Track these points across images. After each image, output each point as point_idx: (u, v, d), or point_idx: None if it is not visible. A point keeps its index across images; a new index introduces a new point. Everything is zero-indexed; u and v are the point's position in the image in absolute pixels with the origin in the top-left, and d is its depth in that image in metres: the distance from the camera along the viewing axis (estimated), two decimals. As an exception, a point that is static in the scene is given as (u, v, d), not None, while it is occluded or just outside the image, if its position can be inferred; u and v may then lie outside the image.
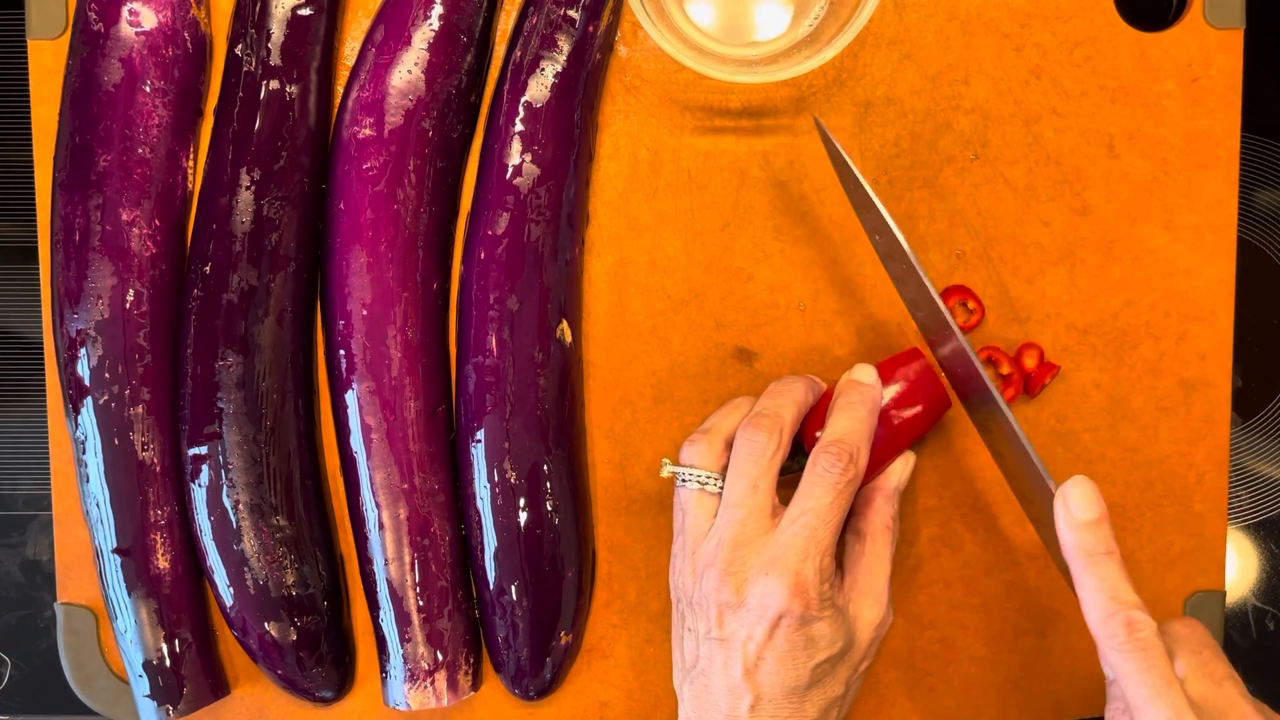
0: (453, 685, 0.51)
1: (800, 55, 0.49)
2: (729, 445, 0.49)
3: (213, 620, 0.53)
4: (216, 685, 0.52)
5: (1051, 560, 0.52)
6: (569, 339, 0.52)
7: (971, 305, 0.54)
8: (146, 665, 0.51)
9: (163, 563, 0.51)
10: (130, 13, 0.51)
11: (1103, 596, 0.41)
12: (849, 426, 0.47)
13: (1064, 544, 0.42)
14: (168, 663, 0.51)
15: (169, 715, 0.51)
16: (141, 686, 0.51)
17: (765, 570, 0.45)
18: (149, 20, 0.51)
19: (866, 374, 0.50)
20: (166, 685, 0.51)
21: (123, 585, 0.50)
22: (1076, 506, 0.42)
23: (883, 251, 0.50)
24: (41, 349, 0.54)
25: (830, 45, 0.47)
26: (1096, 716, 0.55)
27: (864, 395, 0.49)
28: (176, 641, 0.51)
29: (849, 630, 0.47)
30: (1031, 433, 0.54)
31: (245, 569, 0.50)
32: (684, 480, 0.49)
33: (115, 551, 0.50)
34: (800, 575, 0.45)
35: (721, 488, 0.48)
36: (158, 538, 0.51)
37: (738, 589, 0.45)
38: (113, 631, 0.52)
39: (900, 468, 0.51)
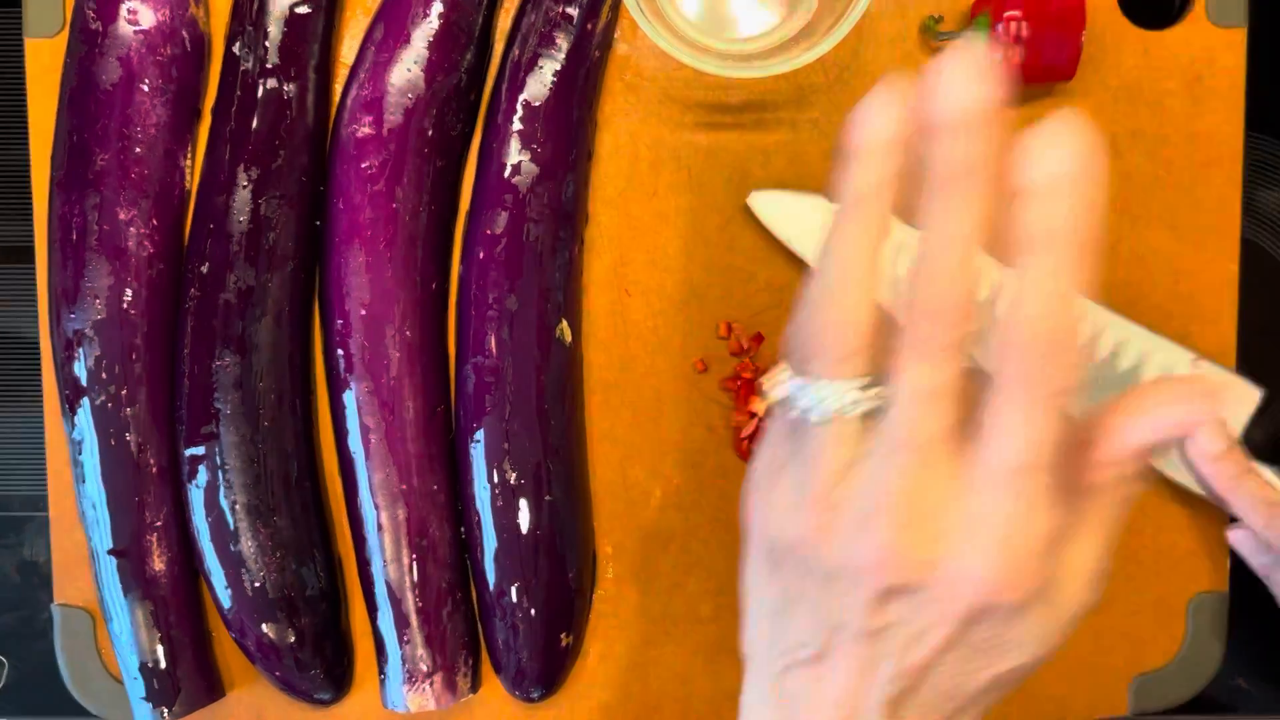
0: (451, 687, 0.51)
1: (796, 49, 0.49)
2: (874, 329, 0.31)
3: (208, 622, 0.53)
4: (211, 687, 0.52)
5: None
6: (569, 339, 0.52)
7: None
8: (142, 667, 0.50)
9: (158, 564, 0.51)
10: (128, 11, 0.51)
11: (1259, 507, 0.44)
12: (1051, 295, 0.28)
13: (1205, 479, 0.46)
14: (163, 665, 0.51)
15: (164, 717, 0.50)
16: (137, 689, 0.51)
17: (967, 535, 0.29)
18: (147, 19, 0.51)
19: (1064, 152, 0.27)
20: (162, 687, 0.50)
21: (118, 587, 0.50)
22: (1206, 443, 0.45)
23: None
24: (39, 349, 0.54)
25: (826, 38, 0.47)
26: (1100, 718, 0.54)
27: (1073, 211, 0.27)
28: (172, 643, 0.51)
29: (1048, 621, 0.31)
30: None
31: (243, 570, 0.50)
32: (814, 399, 0.31)
33: (111, 553, 0.50)
34: (1015, 544, 0.29)
35: (868, 404, 0.30)
36: (153, 539, 0.51)
37: (918, 563, 0.29)
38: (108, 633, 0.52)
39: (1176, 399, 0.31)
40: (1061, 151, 0.27)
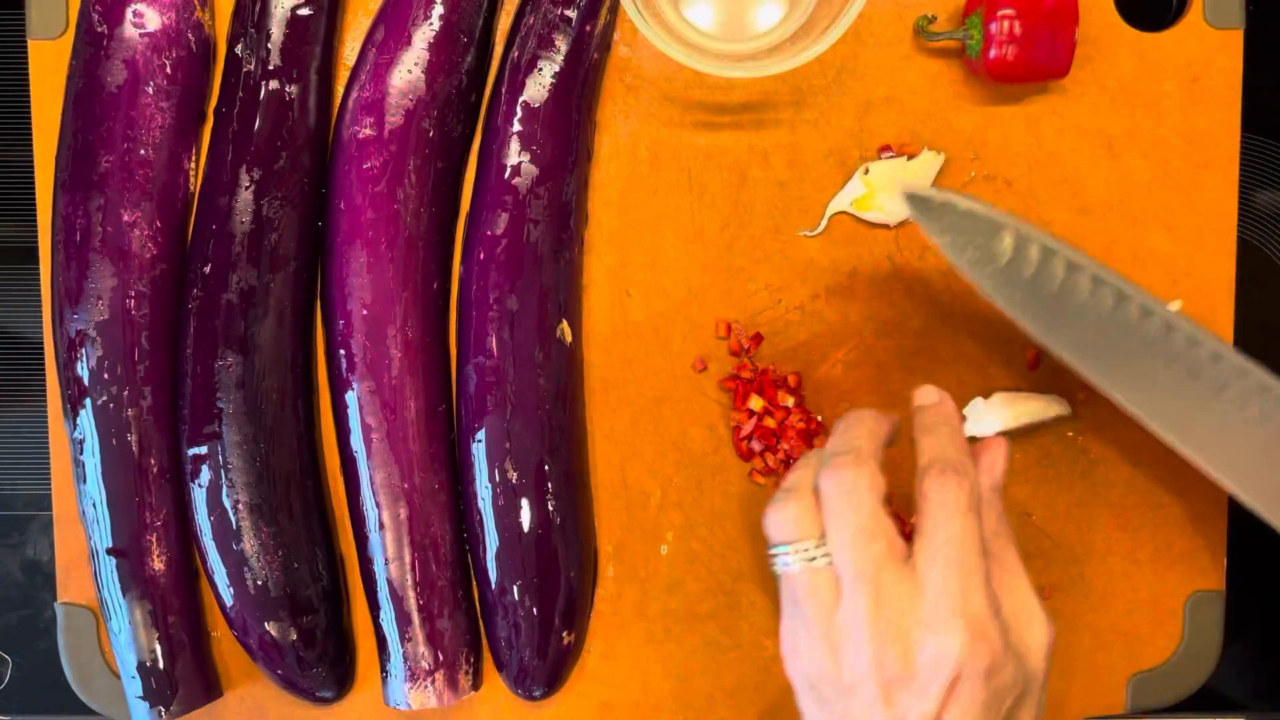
0: (453, 685, 0.51)
1: (793, 49, 0.49)
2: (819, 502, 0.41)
3: (206, 622, 0.53)
4: (209, 688, 0.52)
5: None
6: (569, 339, 0.52)
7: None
8: (140, 666, 0.51)
9: (157, 564, 0.51)
10: (134, 14, 0.51)
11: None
12: (939, 444, 0.42)
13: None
14: (161, 664, 0.51)
15: (160, 717, 0.51)
16: (134, 688, 0.51)
17: (930, 626, 0.38)
18: (153, 22, 0.51)
19: (929, 395, 0.45)
20: (159, 687, 0.51)
21: (117, 586, 0.50)
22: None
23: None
24: (42, 349, 0.54)
25: (822, 39, 0.47)
26: (1097, 716, 0.55)
27: (939, 414, 0.44)
28: (170, 643, 0.51)
29: (1022, 664, 0.40)
30: (1030, 433, 0.54)
31: (245, 569, 0.50)
32: (785, 562, 0.41)
33: (110, 552, 0.50)
34: (973, 617, 0.38)
35: (828, 557, 0.40)
36: (153, 539, 0.51)
37: (903, 657, 0.38)
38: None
39: (991, 461, 0.44)
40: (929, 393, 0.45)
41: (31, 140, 0.54)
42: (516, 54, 0.52)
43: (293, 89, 0.52)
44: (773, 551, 0.42)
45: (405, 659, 0.51)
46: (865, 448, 0.42)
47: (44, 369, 0.54)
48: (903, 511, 0.54)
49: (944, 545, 0.39)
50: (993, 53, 0.50)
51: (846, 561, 0.39)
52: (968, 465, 0.41)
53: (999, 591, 0.41)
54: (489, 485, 0.51)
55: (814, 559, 0.40)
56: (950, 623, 0.38)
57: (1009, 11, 0.50)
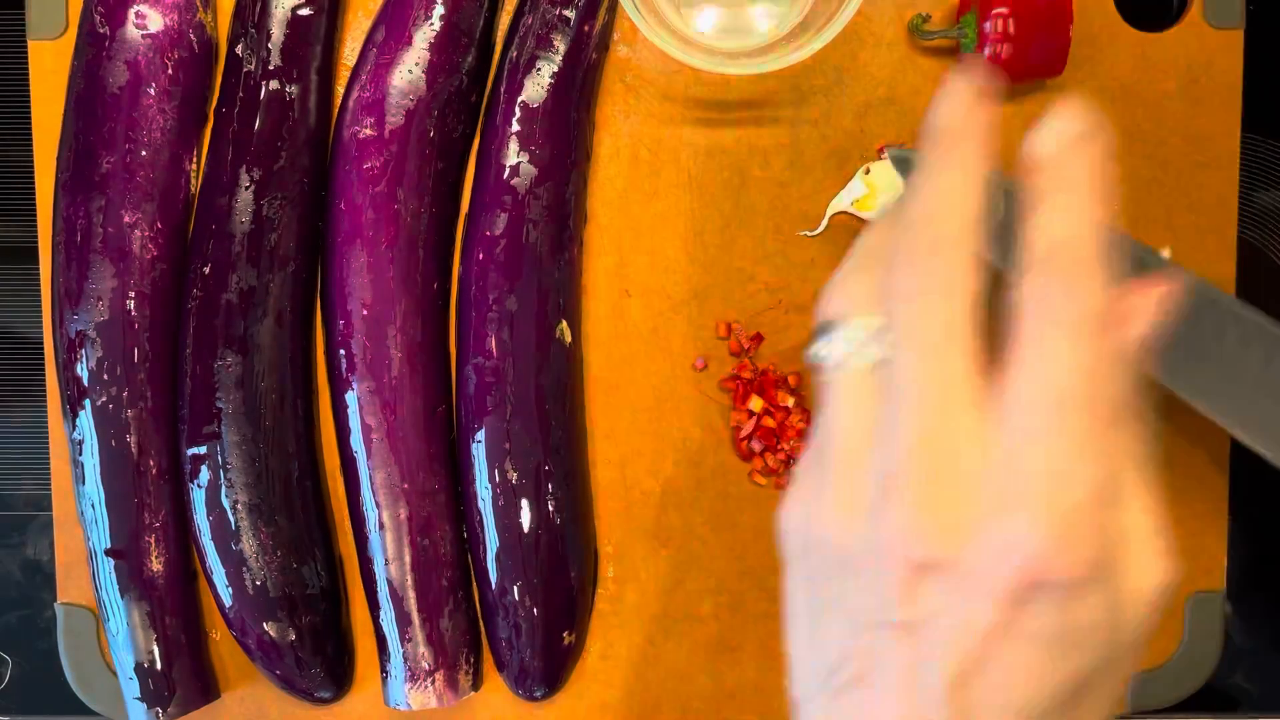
0: (453, 685, 0.51)
1: (789, 46, 0.49)
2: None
3: (204, 623, 0.53)
4: (207, 689, 0.52)
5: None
6: (569, 339, 0.52)
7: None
8: (138, 668, 0.51)
9: (156, 565, 0.51)
10: (137, 15, 0.51)
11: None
12: (1071, 220, 0.28)
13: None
14: (158, 665, 0.51)
15: (158, 718, 0.51)
16: (132, 689, 0.51)
17: (1004, 497, 0.25)
18: (155, 23, 0.51)
19: (1070, 121, 0.29)
20: (157, 688, 0.51)
21: (115, 587, 0.50)
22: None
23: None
24: (42, 349, 0.54)
25: (818, 37, 0.47)
26: (1098, 717, 0.55)
27: (1069, 172, 0.28)
28: (168, 645, 0.51)
29: (1115, 609, 0.27)
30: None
31: (244, 569, 0.50)
32: (825, 345, 0.28)
33: (109, 553, 0.50)
34: (1071, 504, 0.24)
35: (882, 352, 0.28)
36: (151, 540, 0.51)
37: (949, 533, 0.25)
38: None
39: (1144, 303, 0.29)
40: (1070, 119, 0.29)
41: (31, 140, 0.54)
42: (515, 54, 0.52)
43: (293, 89, 0.52)
44: (828, 329, 0.29)
45: (405, 659, 0.51)
46: (967, 211, 0.28)
47: (44, 369, 0.54)
48: None
49: (1048, 387, 0.25)
50: (986, 51, 0.50)
51: (908, 369, 0.26)
52: (1098, 271, 0.27)
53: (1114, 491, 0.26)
54: (489, 485, 0.51)
55: (865, 346, 0.27)
56: (1034, 500, 0.24)
57: (1003, 10, 0.50)
